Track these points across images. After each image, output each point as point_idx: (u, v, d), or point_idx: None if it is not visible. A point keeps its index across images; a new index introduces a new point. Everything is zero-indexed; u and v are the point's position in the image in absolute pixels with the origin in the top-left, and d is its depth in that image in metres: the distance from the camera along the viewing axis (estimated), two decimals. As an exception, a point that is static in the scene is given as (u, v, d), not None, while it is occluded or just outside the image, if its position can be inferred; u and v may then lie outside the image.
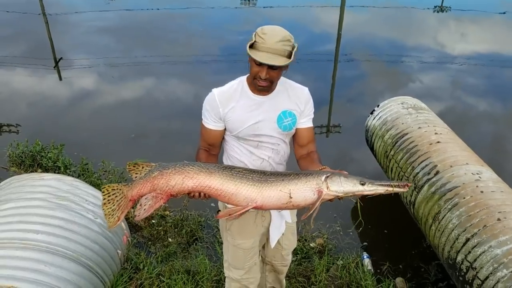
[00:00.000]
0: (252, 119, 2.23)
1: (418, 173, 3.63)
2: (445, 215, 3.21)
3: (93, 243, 2.95)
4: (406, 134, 3.96)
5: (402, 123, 4.10)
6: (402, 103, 4.37)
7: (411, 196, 3.67)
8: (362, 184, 1.95)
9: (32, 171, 4.47)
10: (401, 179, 3.78)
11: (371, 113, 4.57)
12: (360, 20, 11.07)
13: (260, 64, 2.06)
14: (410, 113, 4.18)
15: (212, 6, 12.03)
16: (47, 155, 4.60)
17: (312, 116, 2.36)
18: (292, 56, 2.06)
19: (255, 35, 2.08)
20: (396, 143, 3.99)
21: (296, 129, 2.33)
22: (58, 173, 4.36)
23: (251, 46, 2.06)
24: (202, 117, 2.31)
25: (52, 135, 5.04)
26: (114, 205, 2.09)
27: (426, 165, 3.60)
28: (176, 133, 5.60)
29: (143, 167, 2.06)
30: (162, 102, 6.68)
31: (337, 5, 11.34)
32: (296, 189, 1.96)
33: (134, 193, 2.06)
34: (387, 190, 1.96)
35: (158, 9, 11.82)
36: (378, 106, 4.55)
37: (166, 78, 7.55)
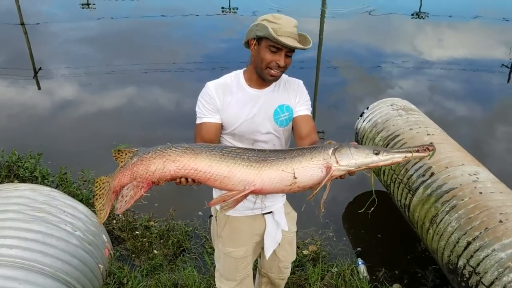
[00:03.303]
0: (249, 113, 2.08)
1: (412, 175, 3.52)
2: (443, 218, 3.09)
3: (72, 257, 2.74)
4: (398, 135, 3.85)
5: (393, 125, 4.00)
6: (391, 105, 4.28)
7: (405, 199, 3.55)
8: (376, 154, 1.71)
9: (8, 182, 4.23)
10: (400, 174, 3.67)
11: (361, 115, 4.47)
12: (340, 28, 11.10)
13: (276, 52, 1.94)
14: (401, 115, 4.09)
15: (194, 14, 11.92)
16: (23, 165, 4.36)
17: (309, 107, 2.21)
18: (311, 41, 2.01)
19: (264, 21, 1.96)
20: (388, 145, 3.88)
21: (294, 119, 2.17)
22: (36, 183, 4.12)
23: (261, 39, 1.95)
24: (197, 114, 2.13)
25: (31, 146, 4.79)
26: (103, 199, 1.95)
27: (420, 167, 3.49)
28: (158, 142, 5.38)
29: (126, 154, 1.88)
30: (143, 111, 6.49)
31: (317, 16, 11.37)
32: (300, 168, 1.71)
33: (115, 183, 1.89)
34: (405, 157, 1.71)
35: (140, 17, 11.65)
36: (367, 108, 4.45)
37: (147, 87, 7.37)
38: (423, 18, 12.01)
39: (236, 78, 2.13)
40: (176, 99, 6.96)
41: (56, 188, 4.13)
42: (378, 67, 8.45)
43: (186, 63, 8.41)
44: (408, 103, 4.38)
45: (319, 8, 12.47)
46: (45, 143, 5.24)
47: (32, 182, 4.17)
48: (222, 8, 12.89)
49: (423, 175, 3.42)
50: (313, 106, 6.71)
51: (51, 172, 4.37)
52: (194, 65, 8.31)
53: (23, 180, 4.23)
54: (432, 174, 3.37)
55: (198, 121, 2.13)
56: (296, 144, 2.19)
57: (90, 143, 5.37)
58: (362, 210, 2.05)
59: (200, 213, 4.06)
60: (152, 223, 3.86)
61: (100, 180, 1.96)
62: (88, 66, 8.13)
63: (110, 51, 9.07)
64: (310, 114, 2.21)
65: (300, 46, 1.94)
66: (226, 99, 2.08)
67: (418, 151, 1.70)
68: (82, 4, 13.52)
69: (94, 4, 13.60)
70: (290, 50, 1.96)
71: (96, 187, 1.97)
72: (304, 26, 10.63)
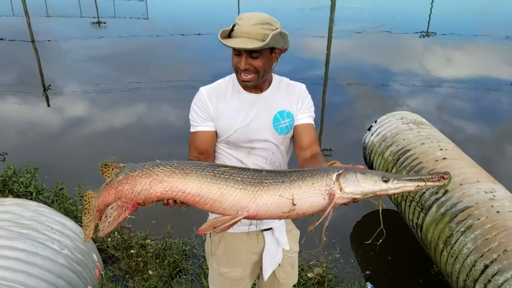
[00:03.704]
0: (244, 119, 1.92)
1: (424, 193, 3.30)
2: (458, 239, 2.86)
3: (58, 278, 2.55)
4: (409, 150, 3.65)
5: (403, 139, 3.80)
6: (401, 118, 4.08)
7: (417, 218, 3.33)
8: (386, 181, 1.53)
9: (2, 197, 4.09)
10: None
11: (369, 129, 4.27)
12: (348, 46, 10.99)
13: (239, 54, 1.80)
14: (411, 129, 3.89)
15: (203, 33, 11.90)
16: (18, 180, 4.22)
17: (312, 114, 2.04)
18: (269, 38, 1.73)
19: (233, 24, 1.82)
20: (398, 160, 3.67)
21: (294, 128, 2.00)
22: (30, 199, 3.97)
23: (229, 36, 1.81)
24: (191, 122, 2.00)
25: (38, 162, 4.65)
26: (90, 215, 1.81)
27: (433, 184, 3.27)
28: (165, 158, 5.23)
29: (113, 169, 1.72)
30: (152, 128, 6.38)
31: (325, 35, 11.29)
32: (300, 194, 1.54)
33: (99, 201, 1.74)
34: (418, 186, 1.52)
35: (150, 36, 11.68)
36: (375, 122, 4.26)
37: (157, 104, 7.29)
38: (430, 36, 11.88)
39: (230, 81, 1.98)
40: (185, 116, 6.80)
41: (51, 204, 3.99)
42: (386, 85, 8.31)
43: (195, 81, 8.33)
44: (419, 116, 4.18)
45: (327, 26, 12.43)
46: (50, 160, 5.14)
47: (26, 198, 4.02)
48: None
49: (436, 193, 3.21)
50: (320, 123, 6.58)
51: (46, 188, 4.22)
52: (203, 83, 8.15)
53: (17, 196, 4.08)
54: (446, 191, 3.15)
55: (192, 130, 2.01)
56: (296, 154, 2.03)
57: (94, 160, 5.21)
58: (369, 241, 1.84)
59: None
60: (148, 241, 3.67)
61: (88, 194, 1.82)
62: (98, 83, 8.09)
63: (120, 69, 9.04)
64: (313, 122, 2.04)
65: (241, 46, 1.74)
66: (220, 105, 1.94)
67: (432, 179, 1.52)
68: (93, 23, 13.65)
69: (104, 23, 13.72)
70: (253, 51, 1.77)
71: (85, 201, 1.83)
72: (312, 45, 10.50)
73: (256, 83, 1.89)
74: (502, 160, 5.58)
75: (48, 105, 7.37)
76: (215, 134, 1.98)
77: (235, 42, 1.76)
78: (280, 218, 1.64)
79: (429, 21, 12.99)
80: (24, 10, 14.66)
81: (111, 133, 6.20)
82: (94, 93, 7.66)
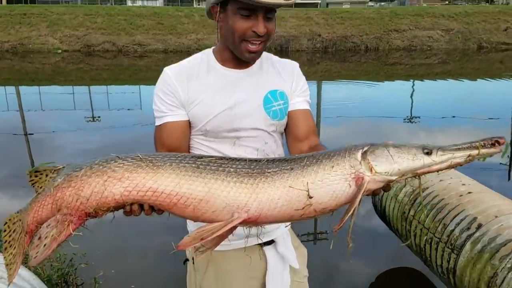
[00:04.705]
0: (226, 101, 1.52)
1: (453, 230, 2.81)
2: (505, 278, 2.34)
3: None
4: (427, 188, 3.21)
5: (419, 179, 3.38)
6: (413, 160, 3.70)
7: (448, 261, 2.79)
8: (428, 153, 1.17)
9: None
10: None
11: (378, 174, 3.87)
12: (334, 132, 11.02)
13: (250, 16, 1.40)
14: (426, 169, 3.49)
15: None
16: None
17: (308, 99, 1.66)
18: None
19: None
20: (415, 200, 3.22)
21: (289, 114, 1.60)
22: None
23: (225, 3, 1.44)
24: (155, 113, 1.59)
25: None
26: (14, 247, 1.28)
27: (462, 219, 2.80)
28: (155, 250, 4.66)
29: (47, 175, 1.27)
30: (142, 218, 5.88)
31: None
32: (317, 182, 1.15)
33: (29, 219, 1.25)
34: (469, 156, 1.16)
35: (142, 126, 11.66)
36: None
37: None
38: (414, 122, 12.12)
39: (204, 57, 1.59)
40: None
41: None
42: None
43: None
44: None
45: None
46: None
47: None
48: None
49: (468, 228, 2.72)
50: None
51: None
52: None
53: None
54: (480, 225, 2.68)
55: (157, 123, 1.59)
56: (289, 147, 1.64)
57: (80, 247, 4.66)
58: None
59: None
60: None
61: (10, 219, 1.31)
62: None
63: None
64: (310, 109, 1.66)
65: (281, 0, 1.37)
66: (192, 85, 1.53)
67: (484, 145, 1.17)
68: (86, 117, 13.71)
69: (99, 117, 13.78)
70: (269, 10, 1.42)
71: (5, 230, 1.31)
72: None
73: (260, 53, 1.52)
74: None
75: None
76: (188, 124, 1.57)
77: None
78: (291, 219, 1.20)
79: (411, 108, 13.24)
80: (18, 104, 14.81)
81: (99, 225, 5.68)
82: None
